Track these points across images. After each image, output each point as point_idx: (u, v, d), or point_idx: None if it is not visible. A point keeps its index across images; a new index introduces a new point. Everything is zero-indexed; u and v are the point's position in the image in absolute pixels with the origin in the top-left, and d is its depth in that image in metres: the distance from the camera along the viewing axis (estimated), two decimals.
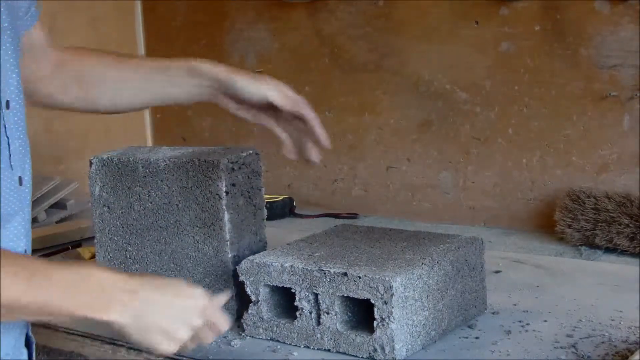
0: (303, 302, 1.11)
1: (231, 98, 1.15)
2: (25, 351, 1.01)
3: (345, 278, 1.07)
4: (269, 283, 1.16)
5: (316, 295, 1.10)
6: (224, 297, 1.00)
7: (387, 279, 1.04)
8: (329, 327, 1.10)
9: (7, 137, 0.94)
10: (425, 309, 1.10)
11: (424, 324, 1.10)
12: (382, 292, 1.04)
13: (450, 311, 1.15)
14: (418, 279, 1.09)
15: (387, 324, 1.05)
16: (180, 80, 1.16)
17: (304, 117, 1.12)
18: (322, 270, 1.09)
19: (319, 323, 1.11)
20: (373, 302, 1.06)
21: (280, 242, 1.29)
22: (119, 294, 0.89)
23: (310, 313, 1.12)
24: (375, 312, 1.06)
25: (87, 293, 0.87)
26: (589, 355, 1.06)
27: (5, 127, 0.94)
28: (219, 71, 1.15)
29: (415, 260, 1.12)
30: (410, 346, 1.07)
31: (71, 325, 1.27)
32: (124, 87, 1.19)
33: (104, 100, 1.20)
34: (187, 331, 0.93)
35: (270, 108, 1.14)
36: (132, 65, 1.19)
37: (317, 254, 1.17)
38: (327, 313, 1.10)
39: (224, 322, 0.99)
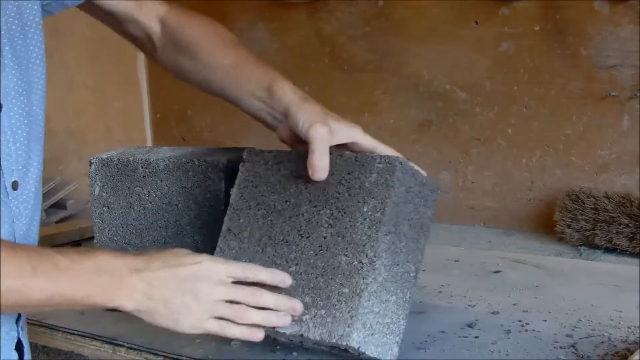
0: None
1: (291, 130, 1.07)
2: (15, 354, 1.00)
3: (303, 338, 0.99)
4: None
5: None
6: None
7: (344, 341, 0.94)
8: (314, 347, 1.03)
9: None
10: (392, 295, 1.01)
11: (395, 307, 1.02)
12: (346, 346, 0.96)
13: (413, 255, 1.05)
14: (369, 299, 0.97)
15: (365, 352, 0.97)
16: (254, 100, 1.11)
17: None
18: (277, 331, 0.99)
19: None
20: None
21: None
22: (126, 278, 0.86)
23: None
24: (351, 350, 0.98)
25: (94, 281, 0.85)
26: (589, 355, 1.06)
27: None
28: (291, 101, 1.06)
29: (355, 279, 0.98)
30: (398, 339, 1.03)
31: (72, 323, 1.28)
32: (212, 75, 1.16)
33: (197, 77, 1.17)
34: (200, 303, 0.89)
35: None
36: (228, 57, 1.15)
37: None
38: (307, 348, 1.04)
39: (275, 278, 0.94)
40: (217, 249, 1.09)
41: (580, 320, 1.20)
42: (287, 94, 1.07)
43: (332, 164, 1.04)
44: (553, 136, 1.78)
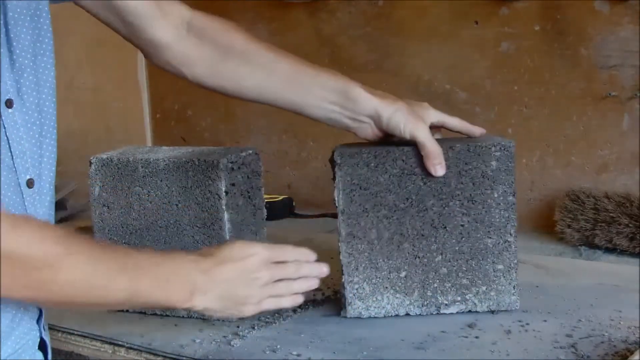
0: None
1: (380, 129, 1.17)
2: (40, 354, 1.00)
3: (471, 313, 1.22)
4: None
5: None
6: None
7: (512, 307, 1.22)
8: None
9: (7, 138, 0.91)
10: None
11: None
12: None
13: None
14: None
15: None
16: (327, 104, 1.16)
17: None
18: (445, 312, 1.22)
19: None
20: None
21: (280, 242, 1.28)
22: (199, 281, 0.93)
23: None
24: None
25: (172, 283, 0.92)
26: (589, 355, 1.06)
27: (4, 128, 0.90)
28: (379, 105, 1.15)
29: (505, 256, 1.18)
30: None
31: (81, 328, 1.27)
32: (270, 79, 1.14)
33: (248, 83, 1.15)
34: (260, 289, 0.99)
35: None
36: (285, 60, 1.15)
37: None
38: None
39: (304, 255, 1.04)
40: (344, 254, 1.19)
41: (580, 320, 1.20)
42: (369, 98, 1.17)
43: (445, 158, 1.15)
44: (553, 136, 1.77)
